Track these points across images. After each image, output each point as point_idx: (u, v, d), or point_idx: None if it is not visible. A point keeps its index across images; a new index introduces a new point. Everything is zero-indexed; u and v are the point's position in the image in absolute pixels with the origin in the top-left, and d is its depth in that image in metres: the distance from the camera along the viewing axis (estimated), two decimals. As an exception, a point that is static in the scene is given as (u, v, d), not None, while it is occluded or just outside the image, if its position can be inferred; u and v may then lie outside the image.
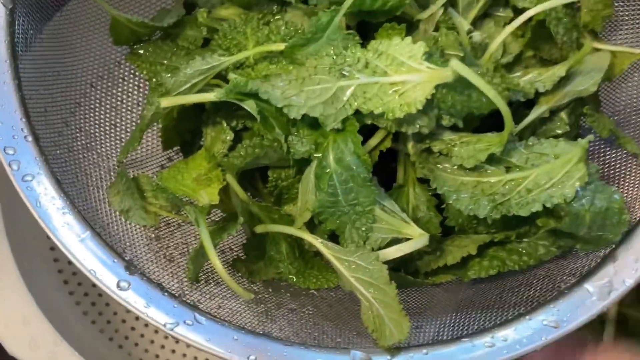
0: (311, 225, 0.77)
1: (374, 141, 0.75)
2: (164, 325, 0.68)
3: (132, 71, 0.90)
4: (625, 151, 0.81)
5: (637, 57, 0.82)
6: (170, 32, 0.86)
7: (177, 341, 1.01)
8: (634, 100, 0.84)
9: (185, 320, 0.68)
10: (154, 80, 0.86)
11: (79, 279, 1.01)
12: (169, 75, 0.78)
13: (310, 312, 0.79)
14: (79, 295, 1.01)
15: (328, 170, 0.71)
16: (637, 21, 0.85)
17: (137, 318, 1.02)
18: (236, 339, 0.68)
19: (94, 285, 0.98)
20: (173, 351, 1.02)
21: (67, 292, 1.00)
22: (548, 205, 0.69)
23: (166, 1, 0.91)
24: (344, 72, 0.70)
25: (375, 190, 0.71)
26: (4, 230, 0.89)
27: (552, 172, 0.70)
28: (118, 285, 0.68)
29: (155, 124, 0.86)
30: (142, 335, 1.02)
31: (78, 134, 0.81)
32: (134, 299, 0.68)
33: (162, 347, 1.02)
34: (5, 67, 0.72)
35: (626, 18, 0.86)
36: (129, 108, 0.89)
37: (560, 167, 0.70)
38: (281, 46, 0.76)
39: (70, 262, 0.97)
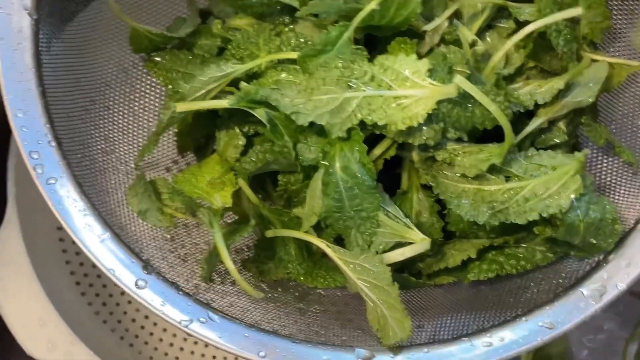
0: (318, 229, 0.80)
1: (379, 150, 0.78)
2: (179, 323, 0.71)
3: (145, 74, 0.93)
4: (620, 160, 0.84)
5: (634, 69, 0.85)
6: (187, 41, 0.90)
7: (185, 338, 1.05)
8: (631, 111, 0.87)
9: (199, 318, 0.72)
10: (170, 87, 0.90)
11: (90, 280, 1.05)
12: (184, 82, 0.82)
13: (317, 311, 0.83)
14: (91, 296, 1.04)
15: (334, 177, 0.75)
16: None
17: (147, 317, 1.06)
18: (247, 336, 0.72)
19: (104, 285, 1.04)
20: (181, 349, 1.05)
21: (79, 292, 1.03)
22: (544, 214, 0.73)
23: (181, 10, 0.95)
24: (350, 84, 0.73)
25: (379, 197, 0.75)
26: (20, 235, 0.92)
27: (549, 183, 0.73)
28: (136, 284, 0.72)
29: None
30: (151, 334, 1.05)
31: (98, 138, 0.84)
32: (151, 297, 0.72)
33: (171, 344, 1.05)
34: (31, 75, 0.75)
35: (623, 30, 0.88)
36: (144, 110, 0.92)
37: (557, 179, 0.73)
38: (292, 54, 0.80)
39: (82, 264, 1.04)
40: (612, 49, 0.89)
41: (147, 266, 0.74)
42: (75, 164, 0.77)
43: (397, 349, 0.72)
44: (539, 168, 0.75)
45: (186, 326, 0.71)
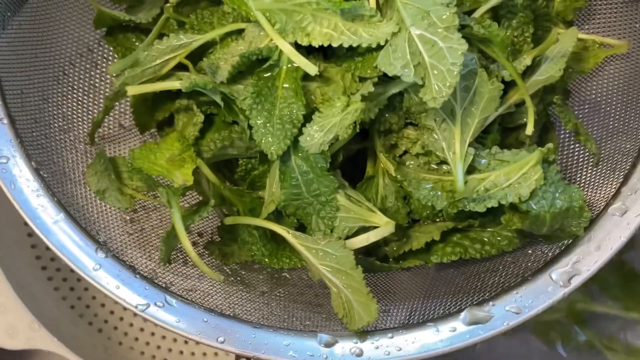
0: (279, 215, 0.79)
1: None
2: (135, 307, 0.69)
3: (109, 53, 0.90)
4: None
5: (614, 52, 0.83)
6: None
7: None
8: (602, 99, 0.85)
9: (156, 302, 0.70)
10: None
11: (57, 264, 1.02)
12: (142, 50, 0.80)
13: (281, 296, 0.81)
14: (58, 281, 1.02)
15: (290, 162, 0.74)
16: (610, 12, 0.86)
17: (124, 308, 1.02)
18: (206, 321, 0.70)
19: (72, 270, 1.01)
20: (152, 333, 1.03)
21: (45, 277, 1.01)
22: (503, 202, 0.72)
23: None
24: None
25: (334, 180, 0.74)
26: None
27: (510, 174, 0.73)
28: (91, 267, 0.69)
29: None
30: (121, 319, 1.03)
31: (55, 116, 0.81)
32: (106, 280, 0.70)
33: (142, 329, 1.03)
34: (-20, 50, 0.73)
35: (601, 8, 0.86)
36: (105, 86, 0.89)
37: (518, 169, 0.72)
38: (244, 25, 0.78)
39: (48, 248, 1.00)
40: (587, 27, 0.87)
41: (103, 248, 0.71)
42: (29, 142, 0.74)
43: (361, 334, 0.71)
44: (502, 163, 0.73)
45: (142, 310, 0.69)
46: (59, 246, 0.70)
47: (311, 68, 0.71)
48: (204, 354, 1.03)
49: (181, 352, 1.03)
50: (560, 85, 0.83)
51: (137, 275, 0.71)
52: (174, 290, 0.73)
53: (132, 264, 0.72)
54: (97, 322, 1.02)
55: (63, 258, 0.70)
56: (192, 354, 1.03)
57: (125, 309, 1.01)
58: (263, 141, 0.72)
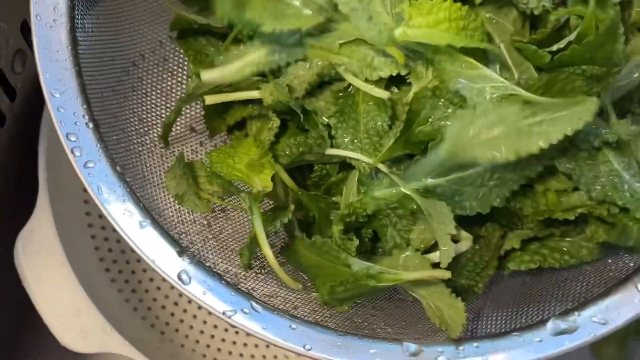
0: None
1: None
2: (223, 314, 0.69)
3: (176, 53, 0.90)
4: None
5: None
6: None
7: (216, 325, 1.03)
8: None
9: (243, 309, 0.69)
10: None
11: (119, 266, 1.02)
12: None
13: (359, 302, 0.80)
14: (121, 283, 1.02)
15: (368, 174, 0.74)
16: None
17: (176, 303, 1.03)
18: (292, 328, 0.70)
19: (133, 272, 1.02)
20: (223, 339, 1.03)
21: (109, 279, 1.01)
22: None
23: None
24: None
25: None
26: (53, 221, 0.89)
27: None
28: (179, 275, 0.69)
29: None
30: (181, 321, 1.03)
31: (132, 120, 0.81)
32: (194, 287, 0.69)
33: (202, 332, 1.03)
34: (67, 54, 0.72)
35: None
36: (177, 92, 0.89)
37: None
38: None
39: (110, 250, 1.01)
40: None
41: (188, 254, 0.71)
42: (112, 146, 0.74)
43: (447, 342, 0.70)
44: None
45: (230, 317, 0.69)
46: (147, 253, 0.69)
47: (382, 93, 0.72)
48: (264, 356, 1.03)
49: (241, 355, 1.03)
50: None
51: (223, 281, 0.71)
52: (256, 295, 0.72)
53: (216, 270, 0.72)
54: (159, 325, 1.02)
55: (152, 265, 0.69)
56: (252, 356, 1.03)
57: (185, 311, 1.02)
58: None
